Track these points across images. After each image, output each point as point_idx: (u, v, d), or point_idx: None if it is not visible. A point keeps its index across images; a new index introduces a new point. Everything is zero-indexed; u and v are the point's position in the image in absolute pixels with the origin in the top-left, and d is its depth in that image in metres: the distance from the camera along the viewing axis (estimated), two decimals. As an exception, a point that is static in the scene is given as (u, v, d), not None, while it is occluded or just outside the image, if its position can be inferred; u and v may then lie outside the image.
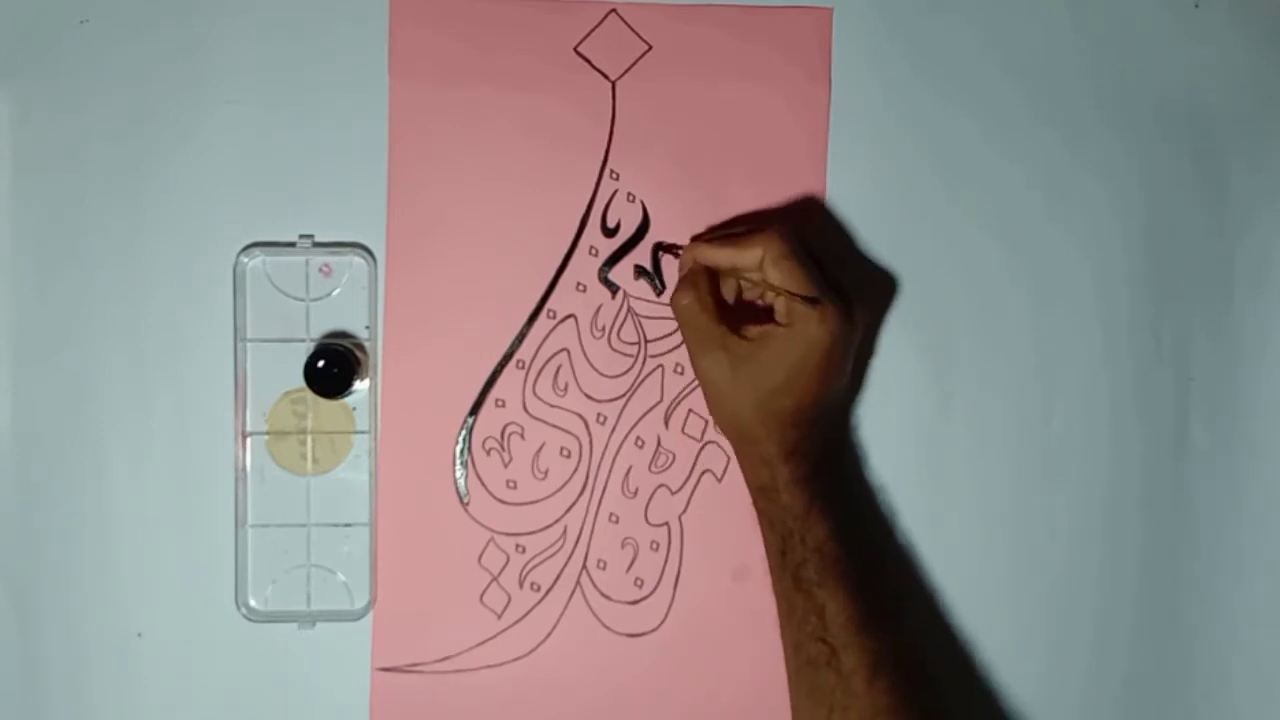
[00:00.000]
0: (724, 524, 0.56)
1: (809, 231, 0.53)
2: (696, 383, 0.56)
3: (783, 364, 0.49)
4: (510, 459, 0.56)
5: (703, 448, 0.56)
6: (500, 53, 0.55)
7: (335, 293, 0.55)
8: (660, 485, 0.56)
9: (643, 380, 0.56)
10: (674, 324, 0.56)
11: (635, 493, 0.56)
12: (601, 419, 0.56)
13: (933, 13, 0.56)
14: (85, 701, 0.55)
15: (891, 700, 0.48)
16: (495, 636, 0.56)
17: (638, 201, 0.56)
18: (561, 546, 0.56)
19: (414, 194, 0.55)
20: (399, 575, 0.55)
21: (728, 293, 0.53)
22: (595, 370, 0.56)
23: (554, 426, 0.56)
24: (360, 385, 0.55)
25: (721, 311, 0.51)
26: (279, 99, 0.55)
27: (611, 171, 0.56)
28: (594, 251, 0.56)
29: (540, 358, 0.56)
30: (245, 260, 0.55)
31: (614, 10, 0.56)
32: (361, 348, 0.55)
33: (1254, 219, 0.57)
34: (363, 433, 0.55)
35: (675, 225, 0.56)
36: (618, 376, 0.56)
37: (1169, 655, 0.57)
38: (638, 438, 0.56)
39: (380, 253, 0.55)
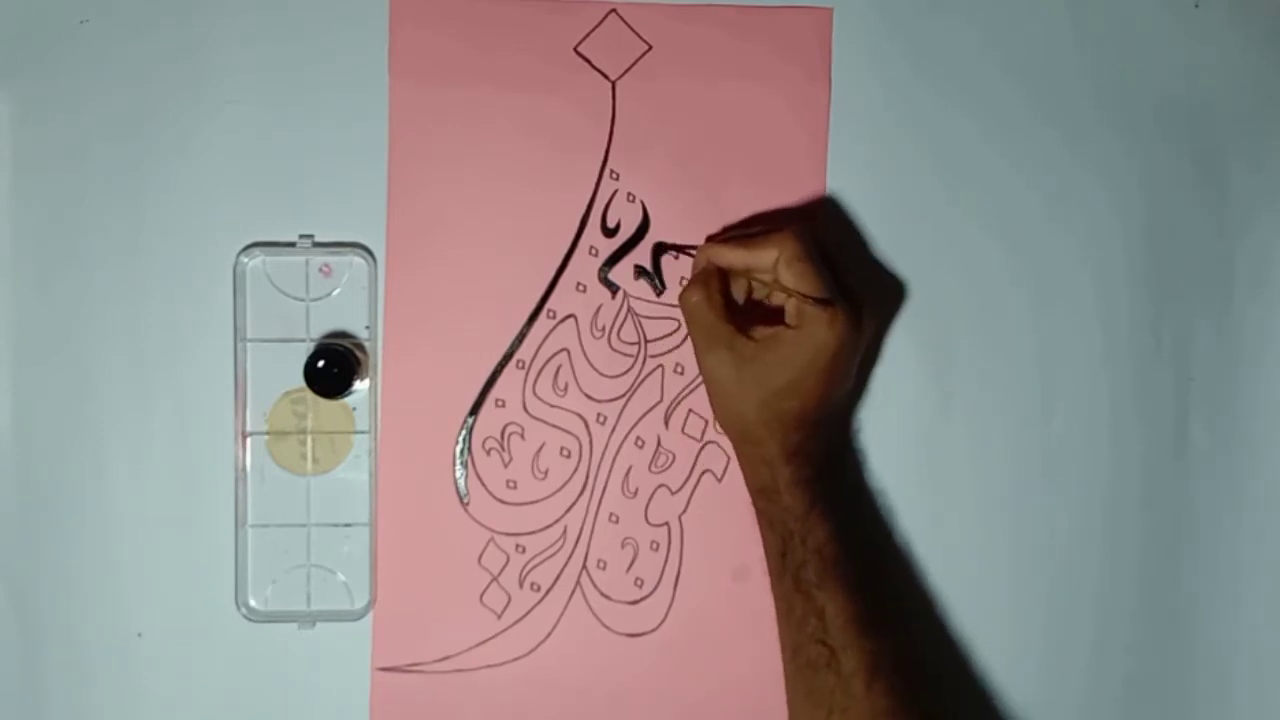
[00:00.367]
0: (724, 524, 0.56)
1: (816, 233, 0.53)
2: (697, 383, 0.56)
3: (789, 366, 0.49)
4: (510, 459, 0.56)
5: (703, 448, 0.56)
6: (500, 53, 0.55)
7: (335, 293, 0.55)
8: (660, 485, 0.56)
9: (643, 380, 0.56)
10: (674, 324, 0.56)
11: (635, 493, 0.56)
12: (601, 419, 0.56)
13: (933, 13, 0.56)
14: (85, 701, 0.55)
15: (891, 702, 0.48)
16: (495, 636, 0.56)
17: (638, 201, 0.56)
18: (561, 546, 0.56)
19: (414, 194, 0.55)
20: (399, 575, 0.55)
21: (738, 293, 0.53)
22: (595, 370, 0.56)
23: (554, 426, 0.56)
24: (360, 385, 0.55)
25: (730, 311, 0.51)
26: (279, 99, 0.55)
27: (611, 171, 0.56)
28: (594, 251, 0.56)
29: (540, 358, 0.56)
30: (245, 260, 0.55)
31: (614, 10, 0.56)
32: (361, 348, 0.55)
33: (1254, 219, 0.57)
34: (363, 433, 0.55)
35: (675, 225, 0.56)
36: (618, 376, 0.56)
37: (1169, 655, 0.57)
38: (638, 438, 0.56)
39: (380, 253, 0.55)
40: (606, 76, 0.56)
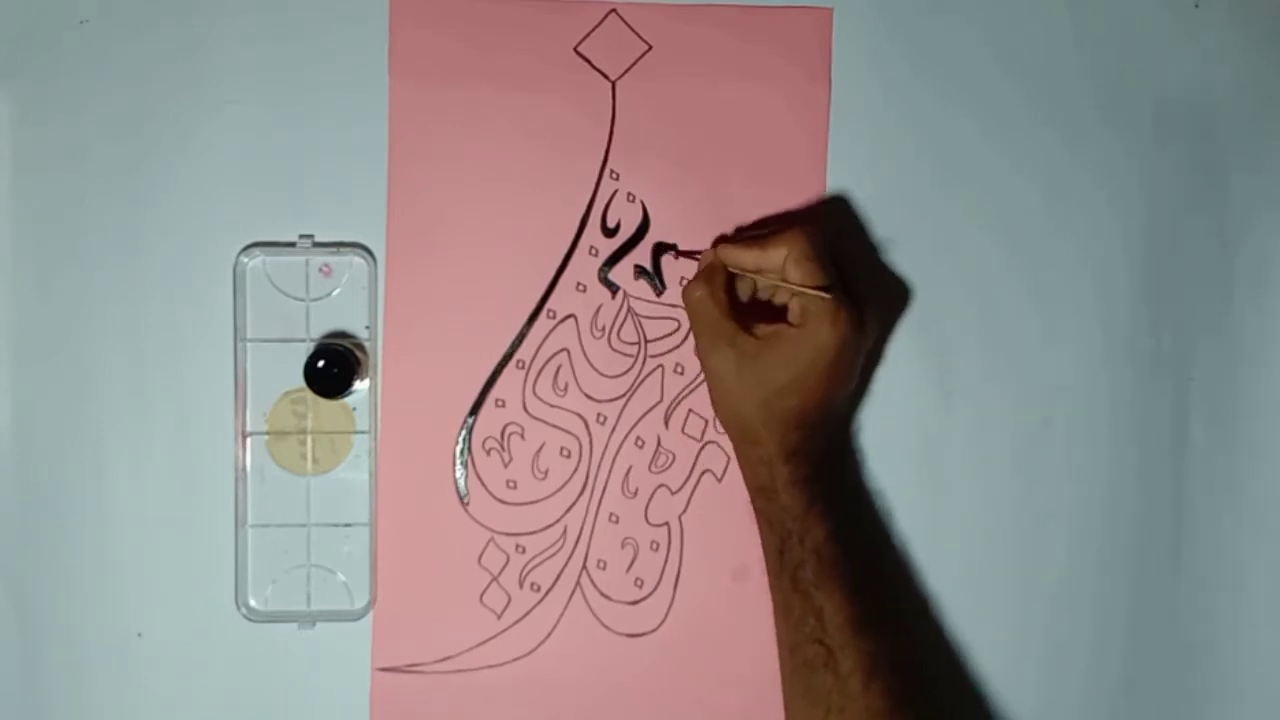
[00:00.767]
0: (724, 524, 0.56)
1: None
2: (697, 383, 0.56)
3: (790, 365, 0.49)
4: (510, 459, 0.56)
5: (703, 448, 0.56)
6: (500, 53, 0.55)
7: (335, 293, 0.55)
8: (660, 485, 0.56)
9: (643, 380, 0.56)
10: (674, 324, 0.56)
11: (635, 493, 0.56)
12: (601, 419, 0.56)
13: (933, 13, 0.56)
14: (85, 701, 0.55)
15: (887, 702, 0.48)
16: (495, 636, 0.56)
17: (638, 201, 0.56)
18: (561, 546, 0.56)
19: (414, 194, 0.55)
20: (399, 575, 0.55)
21: (743, 292, 0.53)
22: (595, 370, 0.56)
23: (554, 426, 0.56)
24: (360, 385, 0.55)
25: (734, 309, 0.51)
26: (279, 99, 0.55)
27: (611, 171, 0.56)
28: (594, 251, 0.56)
29: (540, 358, 0.56)
30: (245, 260, 0.55)
31: (614, 10, 0.56)
32: (361, 348, 0.55)
33: (1254, 219, 0.57)
34: (363, 433, 0.55)
35: (675, 225, 0.56)
36: (618, 376, 0.56)
37: (1169, 655, 0.57)
38: (638, 438, 0.56)
39: (380, 253, 0.55)
40: (606, 76, 0.56)
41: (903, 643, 0.51)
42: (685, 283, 0.54)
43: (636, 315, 0.56)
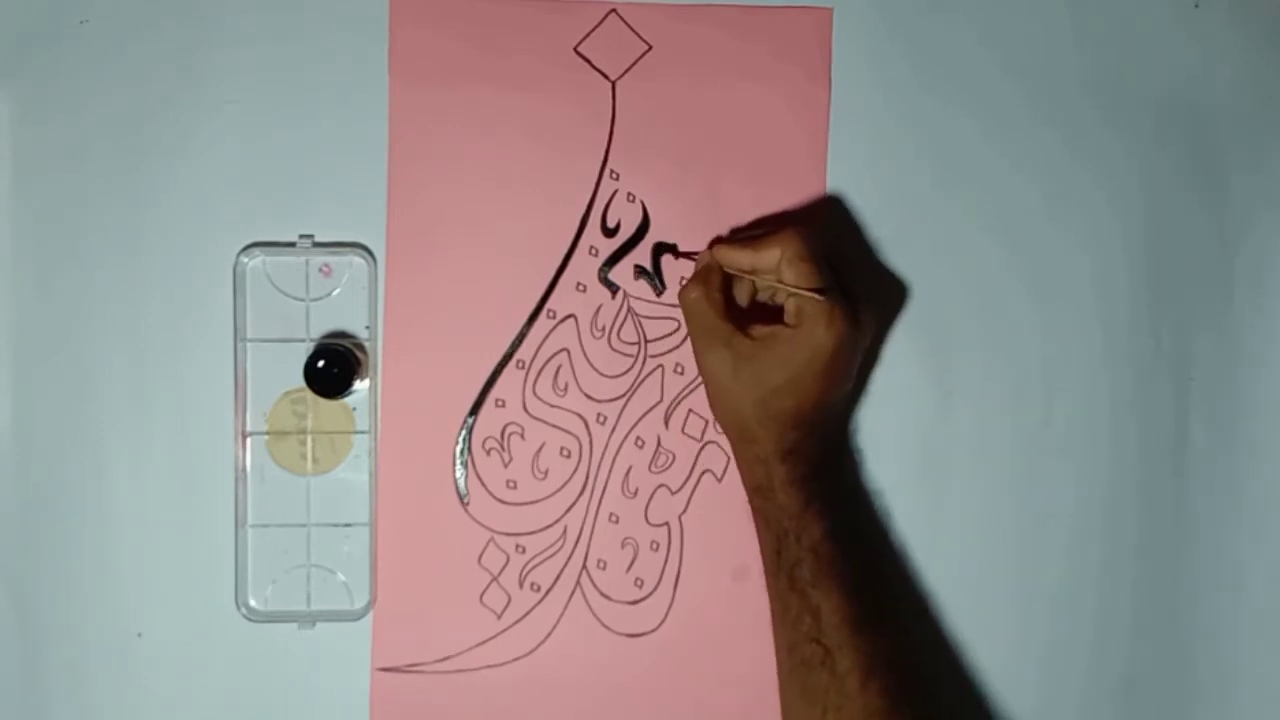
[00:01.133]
0: (724, 524, 0.56)
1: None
2: (697, 383, 0.56)
3: (787, 365, 0.49)
4: (510, 459, 0.56)
5: (703, 448, 0.56)
6: (500, 53, 0.55)
7: (335, 293, 0.55)
8: (660, 485, 0.56)
9: (643, 380, 0.56)
10: (674, 324, 0.56)
11: (635, 493, 0.56)
12: (601, 419, 0.56)
13: (933, 12, 0.56)
14: (85, 701, 0.55)
15: (885, 701, 0.48)
16: (495, 636, 0.56)
17: (638, 201, 0.56)
18: (561, 546, 0.56)
19: (414, 194, 0.55)
20: (399, 575, 0.55)
21: (741, 295, 0.53)
22: (595, 370, 0.56)
23: (554, 426, 0.56)
24: (360, 385, 0.55)
25: (729, 310, 0.51)
26: (279, 99, 0.55)
27: (611, 171, 0.56)
28: (594, 251, 0.56)
29: (540, 358, 0.56)
30: (245, 260, 0.55)
31: (614, 10, 0.56)
32: (361, 348, 0.55)
33: (1254, 219, 0.57)
34: (363, 433, 0.55)
35: (675, 225, 0.56)
36: (618, 376, 0.56)
37: (1168, 656, 0.57)
38: (638, 438, 0.56)
39: (380, 253, 0.55)
40: (606, 76, 0.56)
41: (901, 642, 0.51)
42: (683, 283, 0.54)
43: (636, 315, 0.56)
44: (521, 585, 0.56)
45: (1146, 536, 0.57)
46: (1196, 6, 0.57)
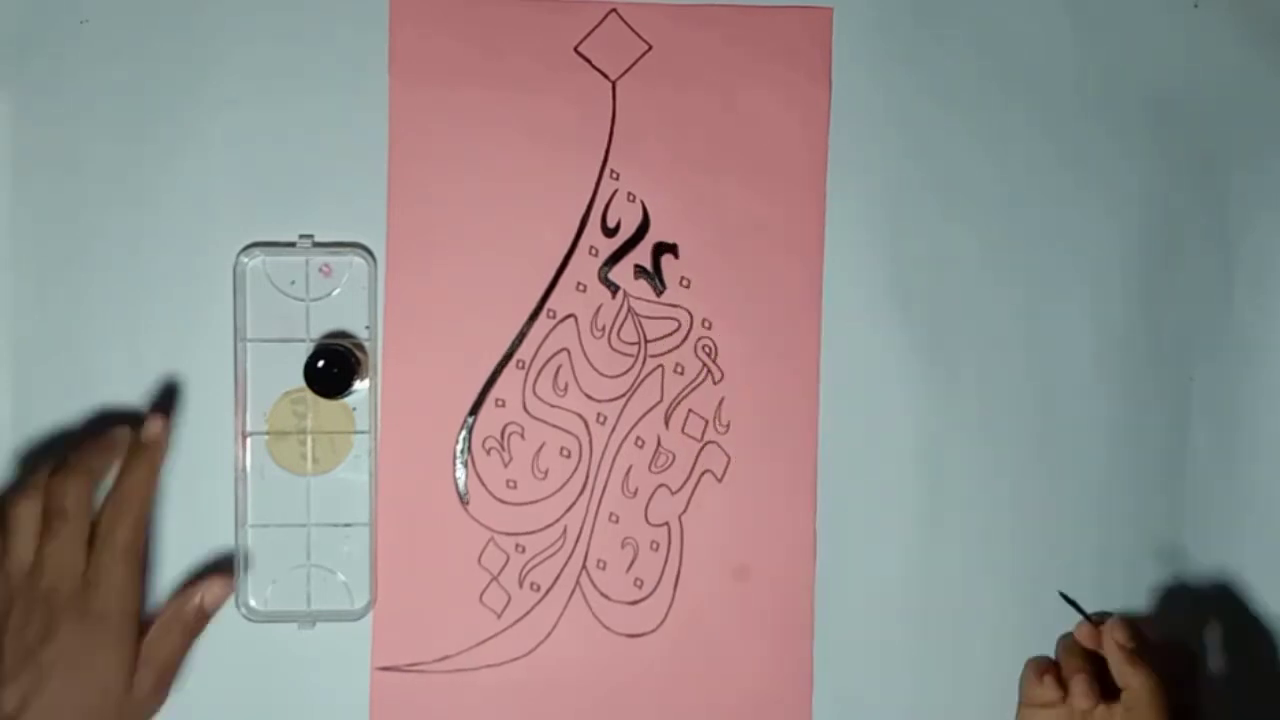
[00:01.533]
0: (724, 524, 0.56)
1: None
2: (697, 383, 0.56)
3: None
4: (510, 459, 0.56)
5: (703, 448, 0.56)
6: (500, 53, 0.55)
7: (335, 293, 0.55)
8: (660, 485, 0.56)
9: (643, 380, 0.56)
10: (674, 324, 0.56)
11: (635, 493, 0.56)
12: (601, 419, 0.56)
13: (932, 13, 0.56)
14: (85, 701, 0.55)
15: None
16: (495, 636, 0.56)
17: (638, 201, 0.56)
18: (561, 546, 0.56)
19: (414, 194, 0.55)
20: (399, 575, 0.55)
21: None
22: (595, 370, 0.56)
23: (554, 426, 0.56)
24: (360, 385, 0.55)
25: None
26: (279, 99, 0.55)
27: (611, 171, 0.56)
28: (594, 251, 0.56)
29: (540, 357, 0.56)
30: (245, 260, 0.55)
31: (614, 10, 0.56)
32: (361, 348, 0.55)
33: (1254, 219, 0.57)
34: (363, 433, 0.55)
35: (675, 225, 0.56)
36: (618, 376, 0.56)
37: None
38: (638, 438, 0.56)
39: (380, 253, 0.55)
40: (606, 76, 0.56)
41: None
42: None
43: (636, 315, 0.56)
44: (521, 585, 0.56)
45: (1146, 536, 0.57)
46: (1196, 6, 0.57)
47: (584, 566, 0.56)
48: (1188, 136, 0.57)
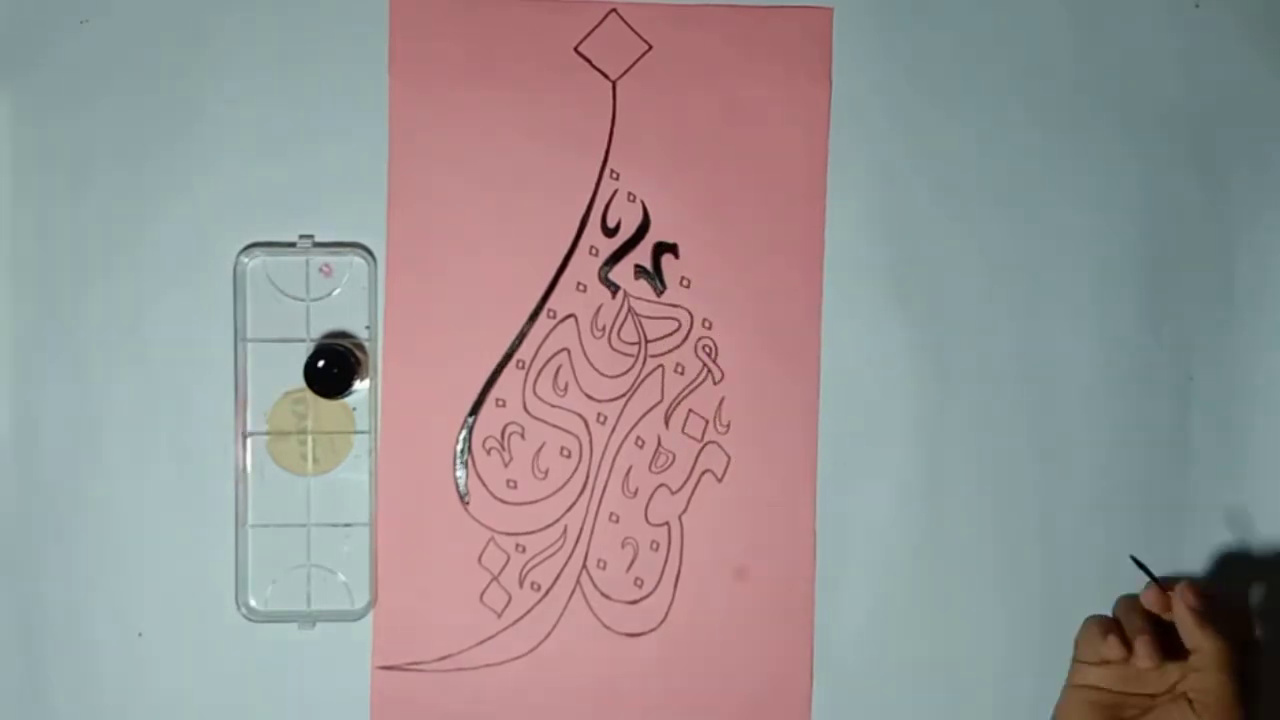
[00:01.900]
0: (724, 524, 0.56)
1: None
2: (697, 383, 0.56)
3: None
4: (510, 459, 0.56)
5: (703, 448, 0.56)
6: (500, 53, 0.55)
7: (335, 293, 0.55)
8: (660, 485, 0.56)
9: (643, 380, 0.56)
10: (674, 324, 0.56)
11: (635, 493, 0.56)
12: (601, 419, 0.56)
13: (932, 13, 0.56)
14: (86, 701, 0.55)
15: None
16: (495, 635, 0.56)
17: (638, 201, 0.56)
18: (561, 546, 0.56)
19: (414, 194, 0.55)
20: (399, 575, 0.55)
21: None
22: (595, 370, 0.56)
23: (554, 426, 0.56)
24: (360, 385, 0.55)
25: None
26: (279, 99, 0.55)
27: (611, 171, 0.56)
28: (594, 251, 0.56)
29: (540, 357, 0.56)
30: (245, 260, 0.55)
31: (614, 10, 0.56)
32: (361, 348, 0.55)
33: (1254, 219, 0.57)
34: (363, 433, 0.55)
35: (675, 225, 0.56)
36: (618, 376, 0.56)
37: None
38: (638, 438, 0.56)
39: (380, 253, 0.55)
40: (606, 76, 0.56)
41: None
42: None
43: (636, 315, 0.56)
44: (521, 584, 0.56)
45: (1147, 536, 0.57)
46: (1197, 7, 0.57)
47: (584, 566, 0.56)
48: (1188, 137, 0.57)
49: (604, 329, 0.56)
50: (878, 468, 0.57)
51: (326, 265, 0.55)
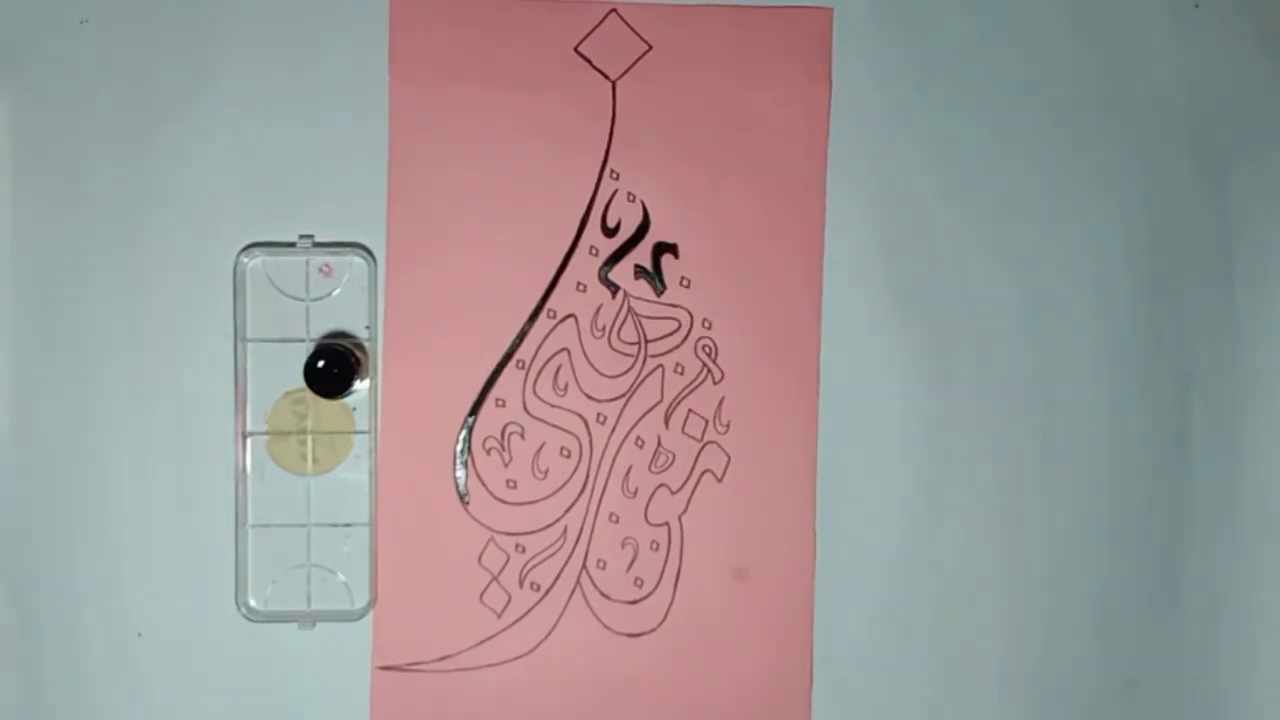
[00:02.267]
0: (724, 524, 0.56)
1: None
2: (697, 383, 0.56)
3: None
4: (510, 459, 0.56)
5: (703, 448, 0.56)
6: (500, 53, 0.55)
7: (335, 293, 0.55)
8: (660, 485, 0.56)
9: (643, 380, 0.56)
10: (674, 324, 0.56)
11: (635, 493, 0.56)
12: (601, 419, 0.56)
13: (933, 13, 0.56)
14: (85, 701, 0.55)
15: None
16: (495, 635, 0.56)
17: (638, 201, 0.56)
18: (561, 546, 0.56)
19: (414, 194, 0.55)
20: (399, 575, 0.55)
21: None
22: (595, 370, 0.56)
23: (554, 426, 0.56)
24: (360, 385, 0.55)
25: None
26: (279, 99, 0.55)
27: (611, 171, 0.56)
28: (594, 251, 0.56)
29: (540, 357, 0.56)
30: (245, 260, 0.55)
31: (614, 10, 0.56)
32: (361, 348, 0.55)
33: (1254, 219, 0.57)
34: (363, 433, 0.55)
35: (675, 225, 0.56)
36: (618, 376, 0.56)
37: (1169, 656, 0.57)
38: (638, 438, 0.56)
39: (380, 253, 0.55)
40: (606, 76, 0.56)
41: None
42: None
43: (636, 315, 0.56)
44: (521, 584, 0.56)
45: (1147, 537, 0.57)
46: (1196, 6, 0.57)
47: (584, 566, 0.56)
48: (1188, 136, 0.57)
49: (604, 329, 0.56)
50: (878, 468, 0.57)
51: (326, 265, 0.55)
